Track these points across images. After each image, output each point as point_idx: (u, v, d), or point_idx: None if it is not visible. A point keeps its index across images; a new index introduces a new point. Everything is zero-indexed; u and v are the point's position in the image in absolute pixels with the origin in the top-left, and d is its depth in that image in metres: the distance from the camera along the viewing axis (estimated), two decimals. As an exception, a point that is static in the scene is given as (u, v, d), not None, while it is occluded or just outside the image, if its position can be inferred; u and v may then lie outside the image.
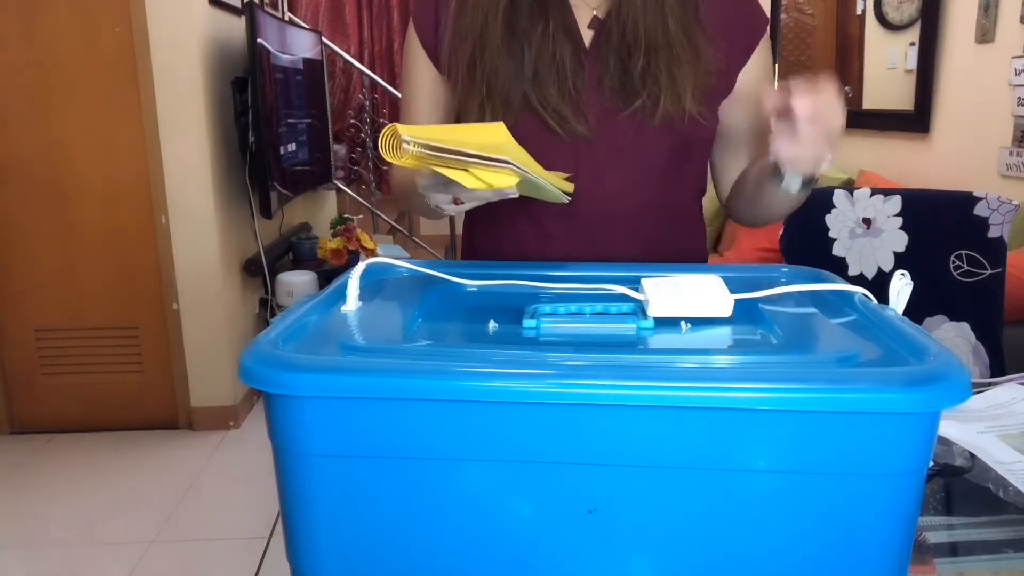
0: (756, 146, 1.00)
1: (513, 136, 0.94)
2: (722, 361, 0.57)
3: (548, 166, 0.96)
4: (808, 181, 0.85)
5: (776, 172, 0.85)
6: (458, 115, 0.99)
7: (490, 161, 0.68)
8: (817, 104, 0.75)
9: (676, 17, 0.92)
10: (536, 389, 0.48)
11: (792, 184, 0.85)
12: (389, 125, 0.67)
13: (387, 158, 0.67)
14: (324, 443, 0.52)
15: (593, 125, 0.94)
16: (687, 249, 1.05)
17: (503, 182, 0.70)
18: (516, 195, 0.77)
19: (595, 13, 0.97)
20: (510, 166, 0.69)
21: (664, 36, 0.92)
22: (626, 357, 0.56)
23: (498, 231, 1.03)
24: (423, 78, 1.03)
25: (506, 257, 1.01)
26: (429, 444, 0.51)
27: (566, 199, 0.83)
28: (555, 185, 0.81)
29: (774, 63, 3.72)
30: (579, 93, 0.93)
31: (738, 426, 0.49)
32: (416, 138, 0.66)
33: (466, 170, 0.69)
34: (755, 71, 0.99)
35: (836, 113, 0.76)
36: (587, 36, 0.96)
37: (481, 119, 0.94)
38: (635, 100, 0.92)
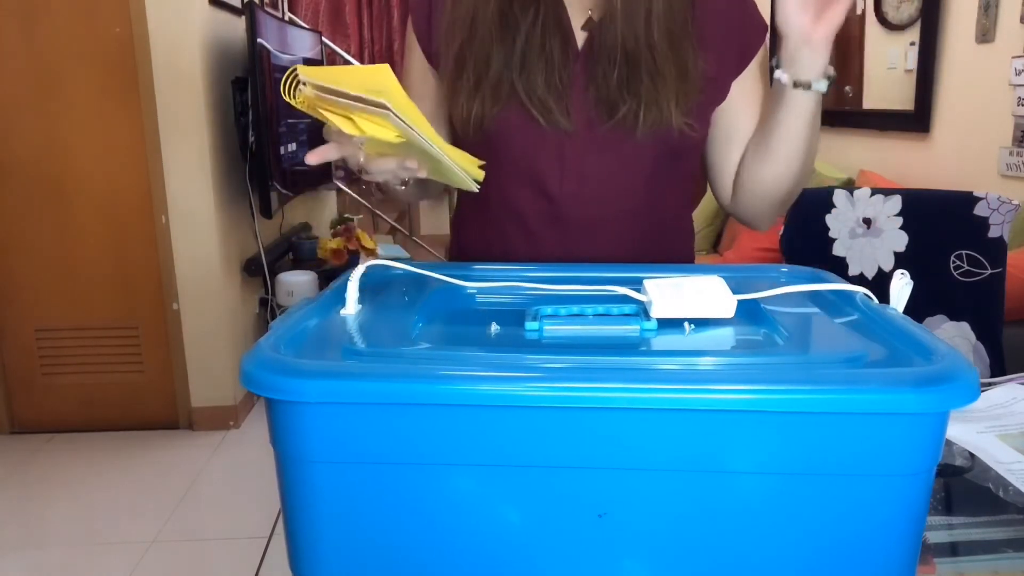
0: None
1: (498, 130, 0.93)
2: (729, 363, 0.56)
3: (534, 164, 0.96)
4: (809, 83, 0.85)
5: (784, 85, 0.85)
6: (448, 104, 0.98)
7: (368, 104, 0.65)
8: None
9: (662, 27, 0.91)
10: (543, 393, 0.48)
11: (785, 76, 0.85)
12: (296, 67, 0.67)
13: (286, 99, 0.67)
14: (329, 449, 0.51)
15: (578, 127, 0.94)
16: (674, 252, 1.05)
17: (381, 134, 0.67)
18: (421, 173, 0.74)
19: (590, 13, 0.96)
20: (388, 112, 0.65)
21: (647, 48, 0.90)
22: (632, 359, 0.56)
23: (485, 232, 1.03)
24: (420, 75, 1.03)
25: (493, 257, 1.00)
26: (435, 449, 0.51)
27: (474, 187, 0.78)
28: (462, 167, 0.75)
29: (772, 65, 3.72)
30: (565, 88, 0.93)
31: (748, 428, 0.49)
32: (310, 78, 0.66)
33: (350, 118, 0.67)
34: (750, 83, 0.98)
35: None
36: (580, 37, 0.96)
37: (470, 108, 0.93)
38: (616, 112, 0.91)
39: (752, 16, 0.99)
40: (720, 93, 0.97)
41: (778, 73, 0.87)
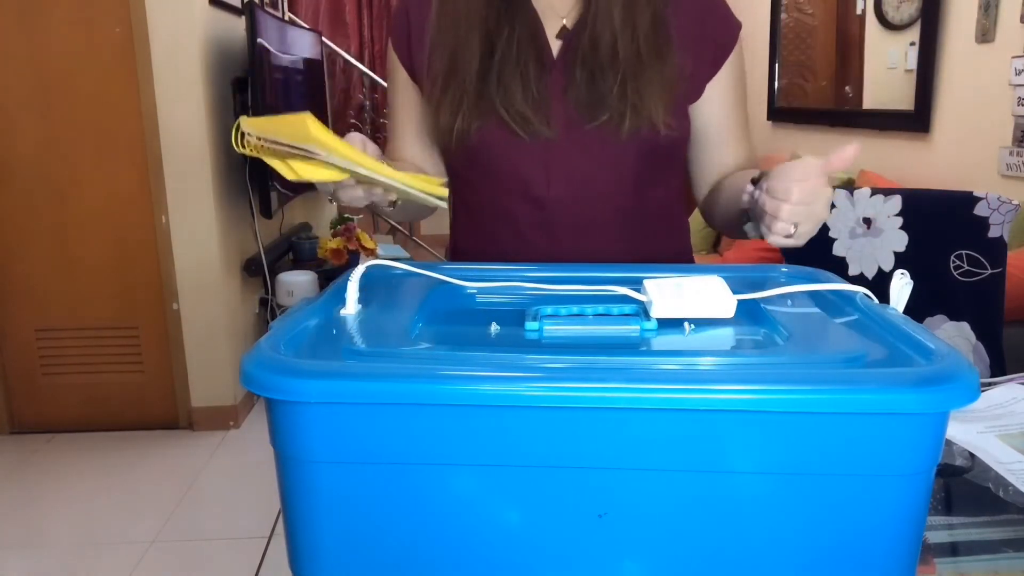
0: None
1: (482, 143, 0.95)
2: (729, 363, 0.57)
3: (520, 173, 0.97)
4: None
5: (744, 214, 0.85)
6: (431, 120, 0.99)
7: (300, 150, 0.71)
8: (807, 191, 0.75)
9: (646, 33, 0.92)
10: (543, 393, 0.48)
11: (752, 232, 0.86)
12: (240, 118, 0.73)
13: (236, 149, 0.73)
14: (330, 450, 0.51)
15: (559, 132, 0.94)
16: (670, 250, 1.05)
17: (318, 175, 0.72)
18: (390, 196, 0.80)
19: (564, 22, 0.97)
20: (317, 155, 0.70)
21: (634, 54, 0.92)
22: (632, 359, 0.56)
23: (480, 236, 1.04)
24: (404, 93, 1.05)
25: (489, 261, 1.01)
26: (435, 449, 0.51)
27: (439, 203, 0.79)
28: (420, 189, 0.76)
29: (773, 63, 3.71)
30: (543, 98, 0.94)
31: (748, 428, 0.49)
32: (250, 129, 0.72)
33: (287, 163, 0.73)
34: (726, 82, 1.00)
35: (823, 202, 0.76)
36: (555, 45, 0.97)
37: (452, 125, 0.94)
38: (601, 115, 0.93)
39: (725, 16, 1.00)
40: (695, 91, 0.98)
41: (748, 227, 0.87)
